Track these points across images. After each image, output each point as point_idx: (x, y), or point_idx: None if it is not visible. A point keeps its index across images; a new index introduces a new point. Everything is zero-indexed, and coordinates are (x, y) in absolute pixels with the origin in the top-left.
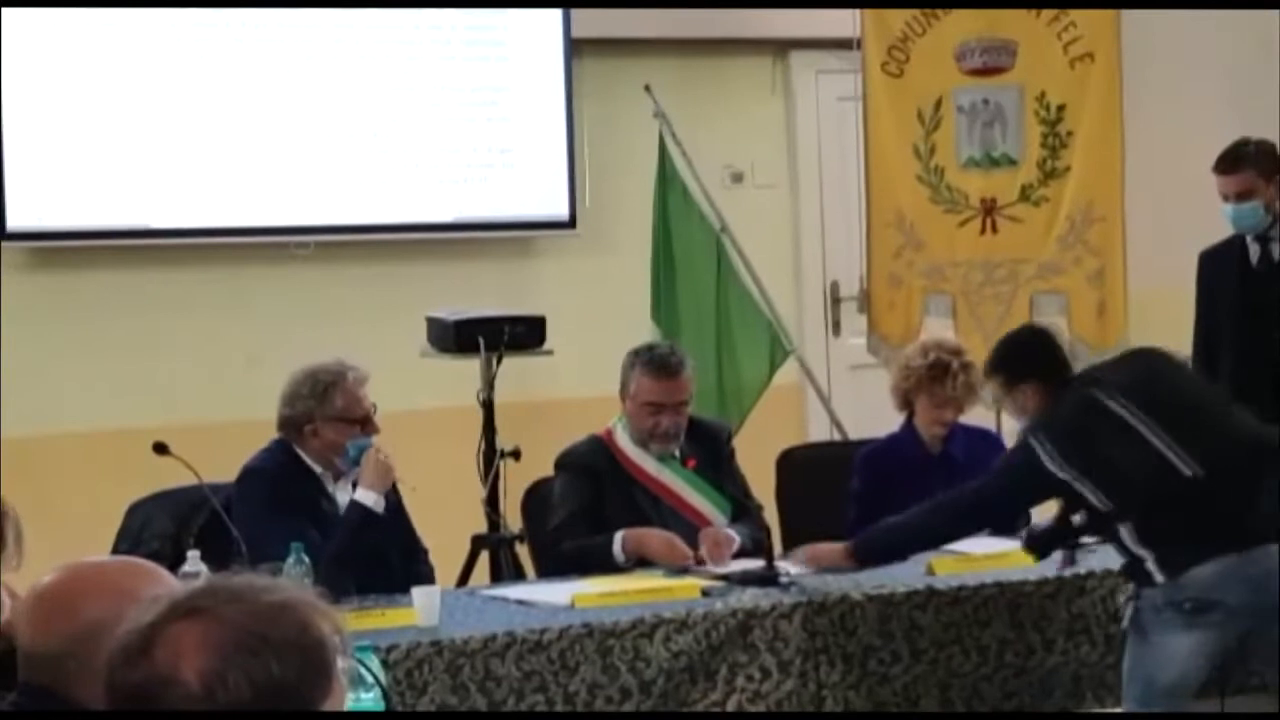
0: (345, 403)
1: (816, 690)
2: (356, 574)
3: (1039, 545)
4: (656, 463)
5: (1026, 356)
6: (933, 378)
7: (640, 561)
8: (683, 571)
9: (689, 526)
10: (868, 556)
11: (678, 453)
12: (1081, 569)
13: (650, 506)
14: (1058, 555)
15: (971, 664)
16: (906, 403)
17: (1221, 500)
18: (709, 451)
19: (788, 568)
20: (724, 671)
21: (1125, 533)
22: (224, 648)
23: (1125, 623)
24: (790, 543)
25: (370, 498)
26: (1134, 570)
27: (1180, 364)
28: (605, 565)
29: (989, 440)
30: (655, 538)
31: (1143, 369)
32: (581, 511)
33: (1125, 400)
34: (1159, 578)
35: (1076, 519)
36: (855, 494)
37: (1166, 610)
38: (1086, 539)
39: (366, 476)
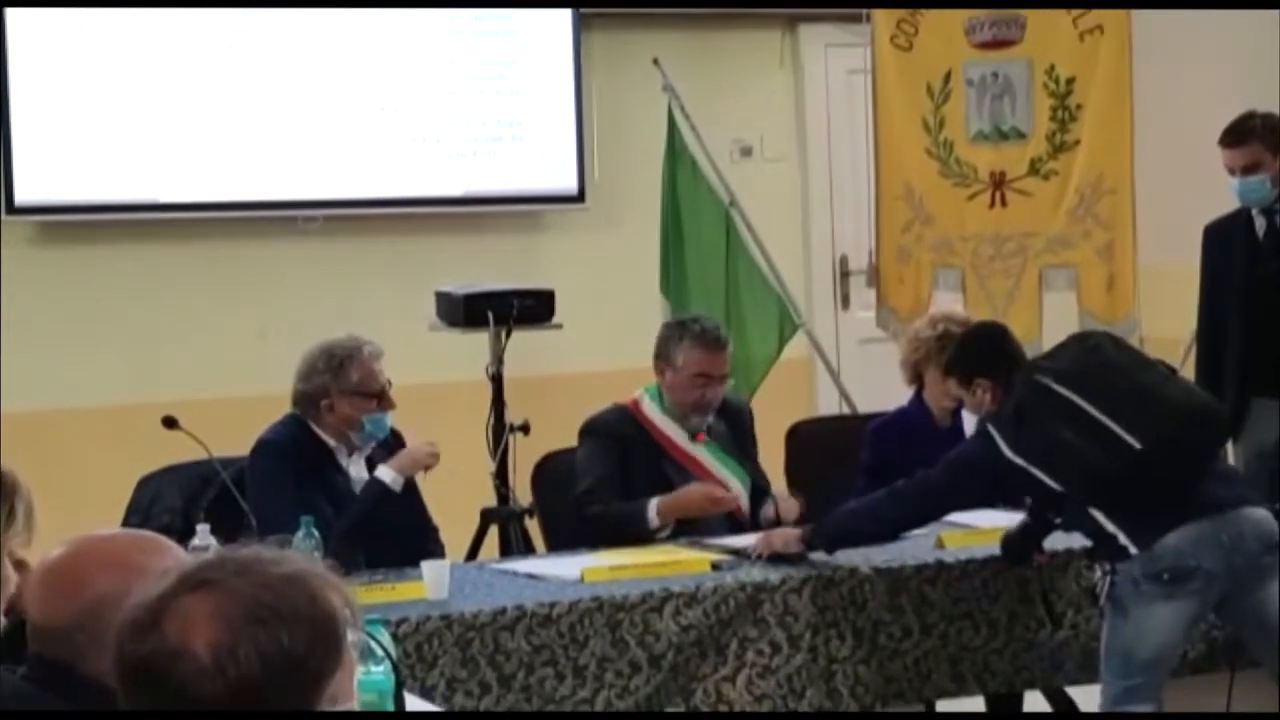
0: (361, 376)
1: (826, 665)
2: (367, 550)
3: (1014, 554)
4: (686, 435)
5: (981, 354)
6: (941, 349)
7: (679, 525)
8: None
9: None
10: (822, 543)
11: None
12: (1089, 543)
13: (677, 477)
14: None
15: (981, 638)
16: (916, 375)
17: (1176, 470)
18: (734, 427)
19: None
20: (734, 646)
21: (1095, 512)
22: (233, 620)
23: (1102, 599)
24: (799, 517)
25: (390, 475)
26: (1106, 548)
27: (1120, 343)
28: (637, 532)
29: None
30: (694, 493)
31: (1082, 352)
32: (609, 478)
33: (1068, 383)
34: (1133, 550)
35: (1047, 514)
36: (865, 467)
37: (1145, 582)
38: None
39: (401, 460)
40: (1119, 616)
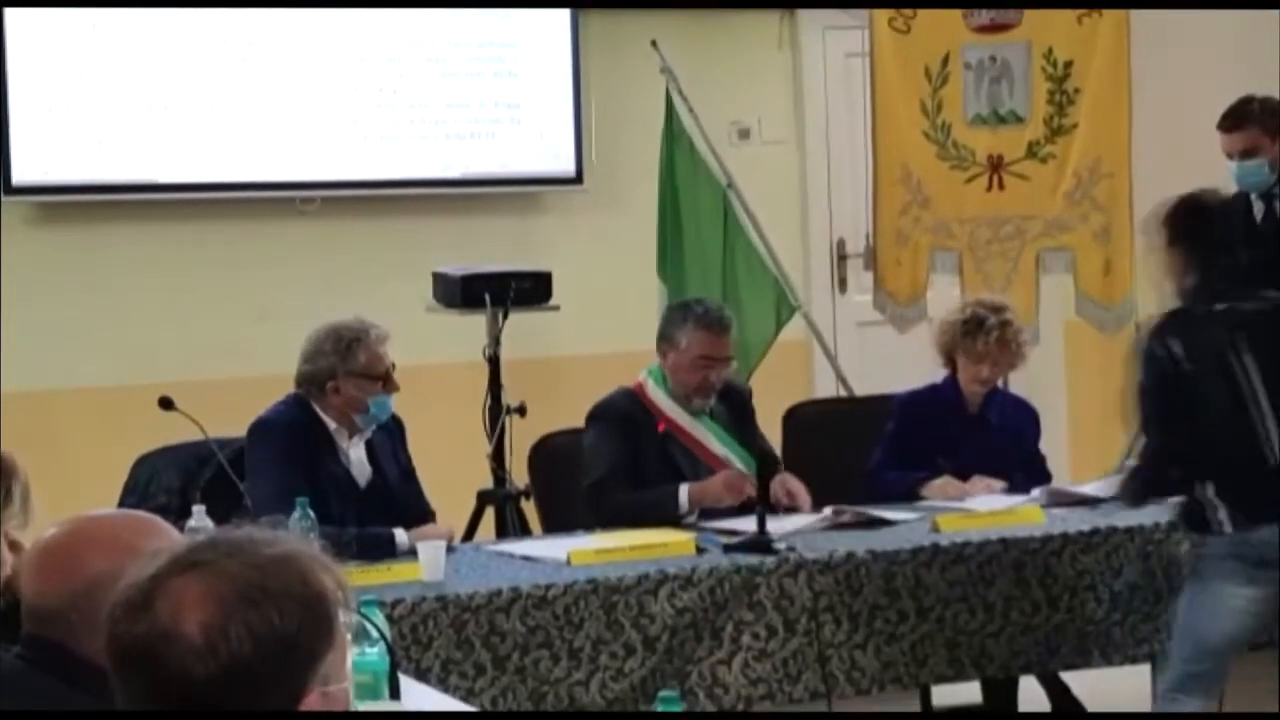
0: (368, 359)
1: (822, 649)
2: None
3: (1134, 494)
4: (690, 417)
5: (1193, 222)
6: (966, 333)
7: (703, 512)
8: (741, 509)
9: None
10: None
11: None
12: (1086, 526)
13: (684, 459)
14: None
15: (978, 622)
16: (949, 359)
17: None
18: (734, 409)
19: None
20: (729, 629)
21: (1206, 482)
22: (225, 600)
23: (1186, 570)
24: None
25: (404, 538)
26: (1199, 518)
27: None
28: (666, 517)
29: (1026, 411)
30: (716, 482)
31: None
32: (621, 465)
33: (1258, 355)
34: (1227, 529)
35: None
36: (889, 435)
37: (1230, 560)
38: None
39: (422, 532)
40: (1199, 590)
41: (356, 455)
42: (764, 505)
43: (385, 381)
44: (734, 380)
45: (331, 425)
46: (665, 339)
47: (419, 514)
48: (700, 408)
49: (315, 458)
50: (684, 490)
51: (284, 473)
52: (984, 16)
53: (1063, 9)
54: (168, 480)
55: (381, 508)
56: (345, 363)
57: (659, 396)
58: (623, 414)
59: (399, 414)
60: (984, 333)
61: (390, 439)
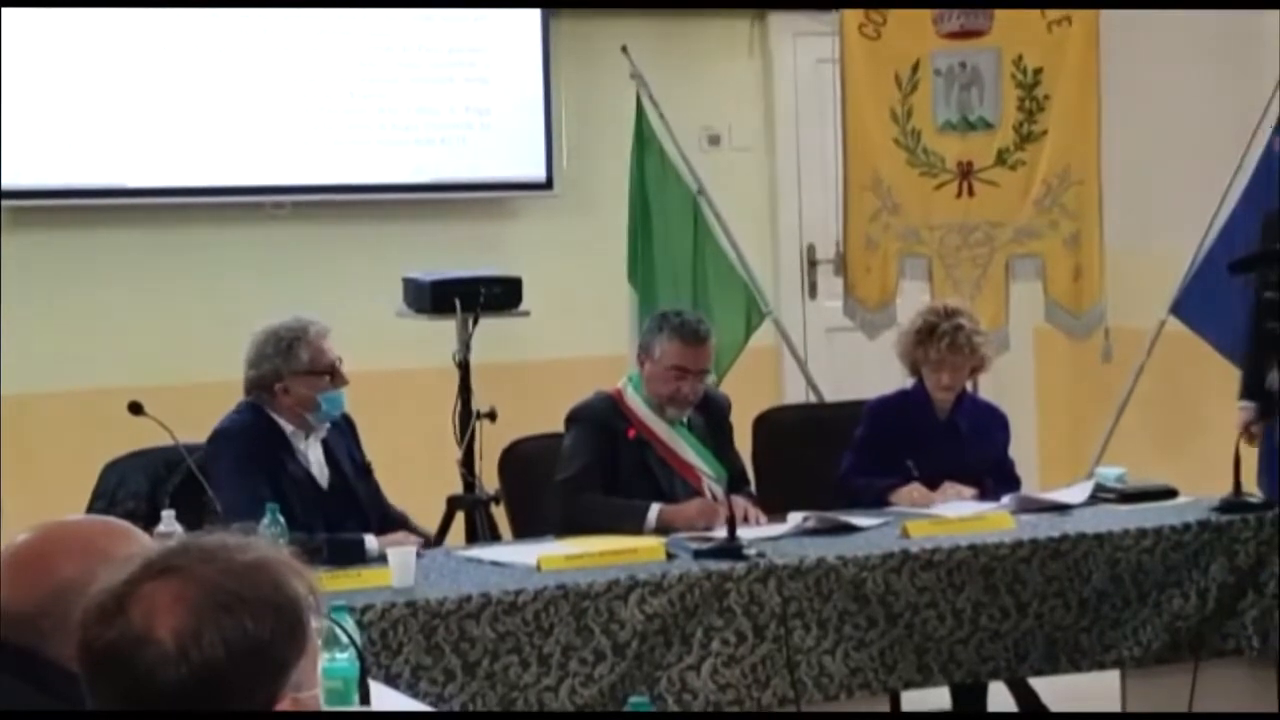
0: (311, 355)
1: (791, 654)
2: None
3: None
4: (666, 425)
5: None
6: (918, 342)
7: (661, 530)
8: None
9: (691, 491)
10: None
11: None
12: (1055, 533)
13: (659, 467)
14: None
15: (946, 628)
16: (914, 368)
17: None
18: (712, 420)
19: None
20: (699, 635)
21: None
22: (198, 606)
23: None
24: (766, 506)
25: (373, 544)
26: None
27: None
28: (629, 529)
29: (995, 417)
30: (692, 509)
31: None
32: (595, 465)
33: None
34: None
35: None
36: (858, 441)
37: None
38: None
39: (390, 539)
40: None
41: (315, 456)
42: (732, 511)
43: (333, 376)
44: (715, 392)
45: (288, 429)
46: (644, 348)
47: (382, 512)
48: (674, 418)
49: (276, 462)
50: (654, 510)
51: (248, 479)
52: (954, 22)
53: (1031, 9)
54: (136, 485)
55: (346, 507)
56: (289, 362)
57: (636, 404)
58: (599, 418)
59: (363, 416)
60: (935, 340)
61: (344, 438)
